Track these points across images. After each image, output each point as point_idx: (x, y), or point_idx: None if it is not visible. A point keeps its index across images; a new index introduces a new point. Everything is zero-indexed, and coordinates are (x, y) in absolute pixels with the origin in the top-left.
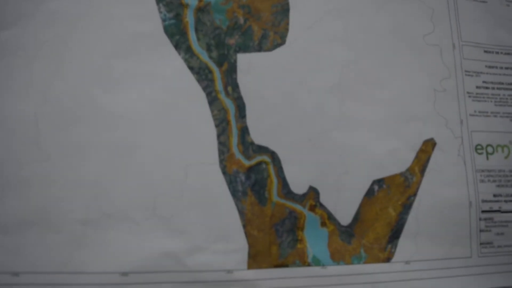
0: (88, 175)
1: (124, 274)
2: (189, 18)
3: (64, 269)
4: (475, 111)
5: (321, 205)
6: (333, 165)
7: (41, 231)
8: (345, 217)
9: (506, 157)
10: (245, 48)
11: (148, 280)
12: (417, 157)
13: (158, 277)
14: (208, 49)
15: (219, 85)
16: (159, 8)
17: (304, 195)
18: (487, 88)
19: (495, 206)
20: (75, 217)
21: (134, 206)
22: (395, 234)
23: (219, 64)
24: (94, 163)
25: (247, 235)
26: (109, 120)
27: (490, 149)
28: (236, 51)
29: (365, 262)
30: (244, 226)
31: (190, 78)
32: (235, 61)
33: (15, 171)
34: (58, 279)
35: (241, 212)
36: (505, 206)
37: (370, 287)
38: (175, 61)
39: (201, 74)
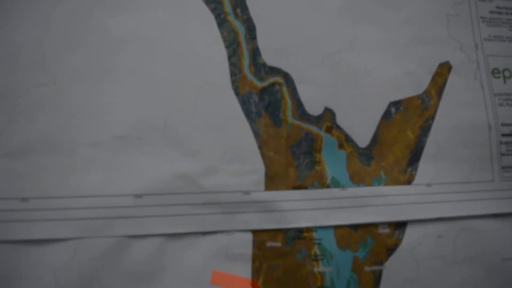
0: (97, 98)
1: (138, 196)
2: None
3: (75, 193)
4: (489, 36)
5: (338, 127)
6: (347, 86)
7: (50, 155)
8: (362, 139)
9: None
10: None
11: (162, 202)
12: (433, 80)
13: (172, 199)
14: None
15: (227, 6)
16: None
17: (320, 116)
18: (500, 13)
19: None
20: (85, 141)
21: (145, 128)
22: (414, 157)
23: None
24: (102, 87)
25: (263, 156)
26: (116, 44)
27: (507, 73)
28: None
29: (385, 184)
30: (260, 148)
31: (197, 1)
32: None
33: (22, 96)
34: (68, 203)
35: (256, 134)
36: None
37: (391, 209)
38: None
39: None
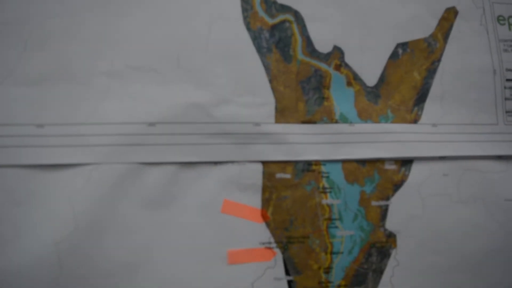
0: (112, 29)
1: (151, 124)
2: None
3: (89, 120)
4: None
5: (346, 65)
6: (356, 26)
7: (65, 83)
8: (370, 78)
9: None
10: None
11: (175, 131)
12: (439, 24)
13: (185, 128)
14: None
15: None
16: None
17: (329, 54)
18: None
19: None
20: (100, 70)
21: (159, 58)
22: (421, 97)
23: None
24: (116, 18)
25: (274, 90)
26: None
27: None
28: None
29: (392, 122)
30: (270, 81)
31: None
32: None
33: (38, 25)
34: (83, 130)
35: (266, 68)
36: None
37: (398, 146)
38: None
39: None
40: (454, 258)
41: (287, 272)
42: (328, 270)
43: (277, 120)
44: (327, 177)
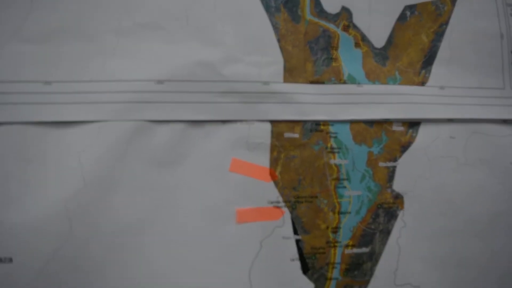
0: None
1: (160, 82)
2: None
3: (97, 77)
4: None
5: (354, 26)
6: None
7: (73, 41)
8: (378, 39)
9: None
10: None
11: (183, 89)
12: None
13: (194, 86)
14: None
15: None
16: None
17: (337, 15)
18: None
19: None
20: (108, 28)
21: (167, 16)
22: (428, 60)
23: None
24: None
25: (282, 49)
26: None
27: None
28: None
29: (400, 84)
30: (279, 41)
31: None
32: None
33: None
34: (91, 87)
35: (275, 27)
36: None
37: (406, 107)
38: None
39: None
40: (460, 221)
41: (295, 231)
42: (335, 230)
43: (286, 80)
44: (335, 137)
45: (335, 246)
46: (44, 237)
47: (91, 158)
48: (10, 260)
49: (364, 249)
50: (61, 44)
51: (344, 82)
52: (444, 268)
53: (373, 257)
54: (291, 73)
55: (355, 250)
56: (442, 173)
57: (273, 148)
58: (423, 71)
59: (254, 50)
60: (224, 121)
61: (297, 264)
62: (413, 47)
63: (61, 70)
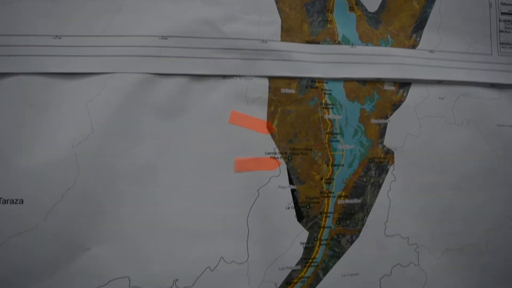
0: None
1: (164, 37)
2: None
3: (104, 32)
4: None
5: None
6: None
7: None
8: (371, 4)
9: None
10: None
11: (186, 45)
12: None
13: (196, 42)
14: None
15: None
16: None
17: None
18: None
19: None
20: None
21: None
22: (419, 25)
23: None
24: None
25: (280, 10)
26: None
27: None
28: None
29: (391, 46)
30: (276, 2)
31: None
32: None
33: None
34: (99, 41)
35: None
36: None
37: (397, 68)
38: None
39: None
40: (448, 177)
41: (291, 181)
42: (329, 181)
43: (283, 39)
44: (330, 94)
45: (328, 197)
46: (53, 180)
47: (98, 107)
48: (21, 201)
49: (356, 200)
50: (71, 1)
51: (339, 43)
52: (432, 221)
53: (365, 208)
54: (288, 33)
55: (348, 201)
56: (431, 131)
57: (270, 102)
58: (414, 35)
59: (253, 10)
60: (224, 76)
61: (292, 212)
62: (405, 12)
63: (70, 25)
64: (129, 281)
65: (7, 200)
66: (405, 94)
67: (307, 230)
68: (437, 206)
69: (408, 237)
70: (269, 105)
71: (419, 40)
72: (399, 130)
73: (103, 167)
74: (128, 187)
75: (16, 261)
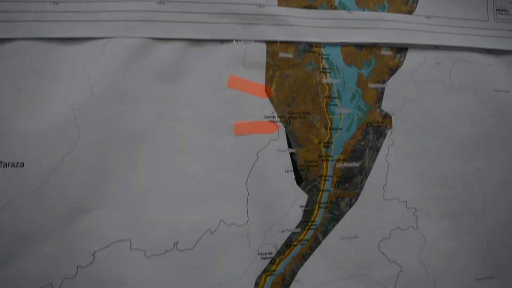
0: None
1: (161, 2)
2: None
3: None
4: None
5: None
6: None
7: None
8: None
9: None
10: None
11: (184, 9)
12: None
13: (194, 7)
14: None
15: None
16: None
17: None
18: None
19: None
20: None
21: None
22: None
23: None
24: None
25: None
26: None
27: None
28: None
29: (388, 11)
30: None
31: None
32: None
33: None
34: (97, 7)
35: None
36: None
37: (394, 33)
38: None
39: None
40: (446, 142)
41: (290, 145)
42: (327, 145)
43: (280, 4)
44: (327, 58)
45: (327, 160)
46: (54, 143)
47: (97, 71)
48: (22, 165)
49: (355, 164)
50: None
51: (335, 8)
52: (430, 186)
53: (363, 172)
54: None
55: (346, 164)
56: (429, 96)
57: (268, 67)
58: (411, 1)
59: None
60: (222, 41)
61: (291, 175)
62: None
63: None
64: (130, 243)
65: (8, 164)
66: (402, 59)
67: (306, 193)
68: (435, 170)
69: (406, 201)
70: (267, 69)
71: (416, 6)
72: (397, 95)
73: (103, 130)
74: (128, 151)
75: (17, 224)
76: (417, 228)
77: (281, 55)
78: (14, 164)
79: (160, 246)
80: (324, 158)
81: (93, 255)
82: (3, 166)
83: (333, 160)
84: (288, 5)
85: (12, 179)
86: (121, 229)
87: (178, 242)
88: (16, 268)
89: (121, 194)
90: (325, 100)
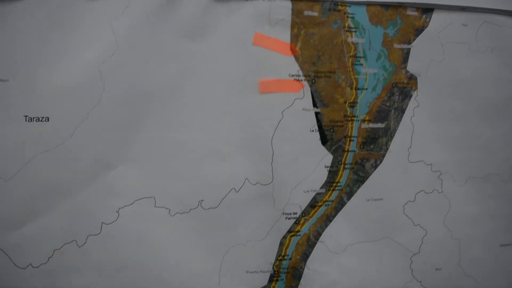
0: None
1: None
2: None
3: None
4: None
5: None
6: None
7: None
8: None
9: None
10: None
11: None
12: None
13: None
14: None
15: None
16: None
17: None
18: None
19: None
20: None
21: None
22: None
23: None
24: None
25: None
26: None
27: None
28: None
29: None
30: None
31: None
32: None
33: None
34: None
35: None
36: None
37: None
38: None
39: None
40: (472, 105)
41: (315, 104)
42: (353, 105)
43: None
44: (352, 17)
45: (352, 120)
46: (79, 98)
47: (122, 25)
48: (47, 119)
49: (380, 125)
50: None
51: None
52: (456, 149)
53: (388, 133)
54: None
55: (371, 125)
56: (455, 58)
57: (293, 25)
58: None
59: None
60: None
61: (316, 135)
62: None
63: None
64: (155, 201)
65: (33, 118)
66: (428, 20)
67: (331, 153)
68: (461, 133)
69: (431, 164)
70: (292, 27)
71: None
72: (422, 56)
73: (128, 86)
74: (154, 107)
75: (42, 179)
76: (442, 191)
77: (306, 13)
78: (39, 118)
79: (185, 204)
80: (349, 118)
81: (117, 212)
82: (28, 121)
83: (358, 121)
84: None
85: (37, 134)
86: (145, 186)
87: (202, 200)
88: (40, 224)
89: (145, 151)
90: (350, 59)
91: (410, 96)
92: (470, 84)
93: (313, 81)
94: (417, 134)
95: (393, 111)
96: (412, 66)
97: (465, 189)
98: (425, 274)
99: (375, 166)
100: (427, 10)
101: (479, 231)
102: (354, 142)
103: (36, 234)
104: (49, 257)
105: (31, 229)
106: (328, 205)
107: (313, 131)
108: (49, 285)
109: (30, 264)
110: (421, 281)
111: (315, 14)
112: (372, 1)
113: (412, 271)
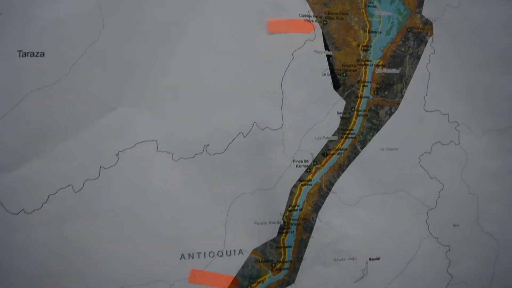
0: None
1: None
2: None
3: None
4: None
5: None
6: None
7: None
8: None
9: None
10: None
11: None
12: None
13: None
14: None
15: None
16: None
17: None
18: None
19: None
20: None
21: None
22: None
23: None
24: None
25: None
26: None
27: None
28: None
29: None
30: None
31: None
32: None
33: None
34: None
35: None
36: None
37: None
38: None
39: None
40: (490, 54)
41: (326, 47)
42: (366, 48)
43: None
44: None
45: (366, 65)
46: (77, 32)
47: None
48: (43, 54)
49: (395, 70)
50: None
51: None
52: (473, 99)
53: (403, 80)
54: None
55: (386, 70)
56: (472, 4)
57: None
58: None
59: None
60: None
61: (328, 79)
62: None
63: None
64: (157, 145)
65: (27, 53)
66: None
67: (344, 99)
68: (478, 83)
69: (448, 114)
70: None
71: None
72: (438, 0)
73: (129, 22)
74: (156, 46)
75: (35, 118)
76: (459, 143)
77: None
78: (33, 53)
79: (189, 149)
80: (362, 63)
81: (117, 155)
82: (22, 56)
83: (372, 65)
84: None
85: (31, 70)
86: (147, 129)
87: (208, 145)
88: (33, 167)
89: (148, 92)
90: (363, 0)
91: (426, 42)
92: (487, 32)
93: (325, 22)
94: (433, 82)
95: (408, 56)
96: (427, 10)
97: (483, 142)
98: (442, 230)
99: (390, 114)
100: None
101: (498, 187)
102: (368, 87)
103: (29, 178)
104: (43, 203)
105: (23, 173)
106: (341, 153)
107: (324, 74)
108: (43, 232)
109: (23, 209)
110: (437, 238)
111: None
112: None
113: (429, 226)
